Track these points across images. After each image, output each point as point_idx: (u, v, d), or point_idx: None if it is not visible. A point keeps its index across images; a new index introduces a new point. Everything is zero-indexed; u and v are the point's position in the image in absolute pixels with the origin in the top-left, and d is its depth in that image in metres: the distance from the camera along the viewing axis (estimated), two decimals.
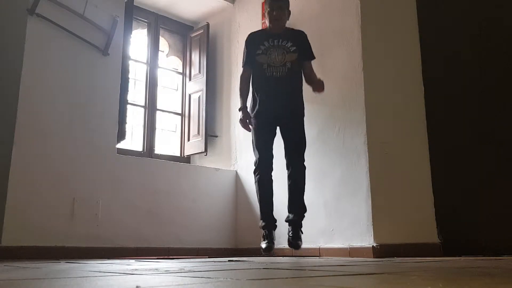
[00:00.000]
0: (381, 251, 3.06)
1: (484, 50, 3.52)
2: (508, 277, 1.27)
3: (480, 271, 1.55)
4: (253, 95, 3.25)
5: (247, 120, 3.20)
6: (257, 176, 3.16)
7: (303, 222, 3.14)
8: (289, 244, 3.08)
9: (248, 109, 3.26)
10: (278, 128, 3.22)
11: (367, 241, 3.14)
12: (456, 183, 3.48)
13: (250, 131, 3.26)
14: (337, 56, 3.58)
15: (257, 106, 3.19)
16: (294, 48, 3.17)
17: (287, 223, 3.14)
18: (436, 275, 1.42)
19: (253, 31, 3.51)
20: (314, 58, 3.25)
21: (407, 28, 3.80)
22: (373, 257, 3.01)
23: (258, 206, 3.21)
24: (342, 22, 3.61)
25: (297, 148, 3.14)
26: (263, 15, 3.35)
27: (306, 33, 3.26)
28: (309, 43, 3.26)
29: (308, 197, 3.33)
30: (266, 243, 3.07)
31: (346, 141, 3.42)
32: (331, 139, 3.52)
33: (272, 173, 3.19)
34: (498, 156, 3.36)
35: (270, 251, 3.07)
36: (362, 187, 3.24)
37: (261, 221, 3.16)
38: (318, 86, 3.14)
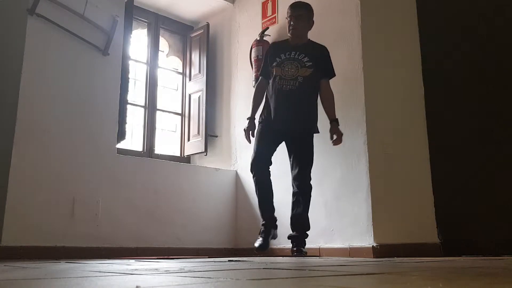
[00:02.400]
0: (381, 251, 3.06)
1: (484, 50, 3.52)
2: (508, 277, 1.27)
3: (480, 271, 1.55)
4: (266, 103, 3.26)
5: (250, 132, 3.19)
6: (254, 175, 3.16)
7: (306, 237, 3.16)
8: (292, 254, 3.10)
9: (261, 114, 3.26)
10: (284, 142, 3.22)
11: (367, 241, 3.14)
12: (456, 183, 3.48)
13: (250, 143, 3.27)
14: (337, 56, 3.58)
15: (266, 115, 3.20)
16: (310, 63, 3.12)
17: (290, 240, 3.15)
18: (436, 275, 1.42)
19: (276, 41, 3.50)
20: (333, 75, 3.19)
21: (407, 28, 3.80)
22: (373, 257, 3.01)
23: (258, 206, 3.21)
24: (342, 22, 3.61)
25: (302, 167, 3.11)
26: (264, 15, 3.36)
27: (310, 35, 3.25)
28: (330, 60, 3.19)
29: None
30: (260, 241, 3.07)
31: (346, 141, 3.42)
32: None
33: (271, 175, 3.20)
34: (498, 156, 3.36)
35: (263, 250, 3.05)
36: (362, 187, 3.24)
37: (262, 219, 3.17)
38: (337, 140, 3.10)
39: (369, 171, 3.23)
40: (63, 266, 2.08)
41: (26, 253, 3.08)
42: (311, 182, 3.15)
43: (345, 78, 3.51)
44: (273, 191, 3.19)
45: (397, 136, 3.49)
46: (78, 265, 2.15)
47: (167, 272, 1.60)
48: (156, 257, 3.27)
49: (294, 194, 3.13)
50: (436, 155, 3.58)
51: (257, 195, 3.17)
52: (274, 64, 3.18)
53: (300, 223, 3.11)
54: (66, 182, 3.39)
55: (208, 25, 4.77)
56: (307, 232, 3.15)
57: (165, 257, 3.36)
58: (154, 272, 1.57)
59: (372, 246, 3.08)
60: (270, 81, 3.21)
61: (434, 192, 3.53)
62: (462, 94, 3.56)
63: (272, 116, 3.14)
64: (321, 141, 3.58)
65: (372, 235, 3.12)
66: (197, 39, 4.81)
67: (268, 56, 3.28)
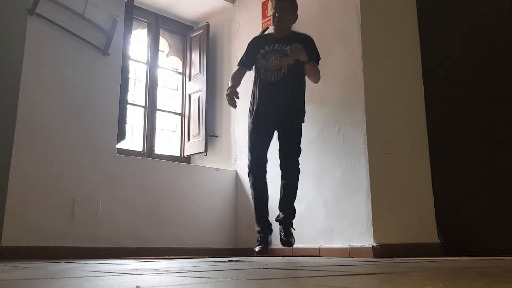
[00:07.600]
0: (381, 251, 3.06)
1: (484, 50, 3.52)
2: (508, 277, 1.27)
3: (480, 271, 1.55)
4: (252, 96, 3.25)
5: (234, 96, 3.14)
6: (251, 180, 3.17)
7: (300, 220, 3.15)
8: (281, 243, 3.10)
9: (248, 109, 3.26)
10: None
11: (367, 241, 3.14)
12: (456, 183, 3.48)
13: (235, 108, 3.22)
14: (337, 56, 3.58)
15: (254, 108, 3.20)
16: None
17: (278, 223, 3.16)
18: (436, 275, 1.42)
19: (258, 35, 3.49)
20: (318, 58, 3.16)
21: (407, 28, 3.80)
22: (373, 257, 3.02)
23: (254, 210, 3.22)
24: (342, 22, 3.61)
25: (289, 154, 3.13)
26: (264, 15, 3.35)
27: (310, 35, 3.24)
28: (315, 45, 3.18)
29: (308, 197, 3.34)
30: (259, 246, 3.10)
31: (346, 141, 3.42)
32: (331, 139, 3.52)
33: (267, 175, 3.20)
34: (498, 156, 3.36)
35: (262, 253, 3.09)
36: (362, 187, 3.24)
37: (257, 225, 3.18)
38: (295, 51, 3.00)
39: (369, 171, 3.23)
40: (63, 266, 2.08)
41: (26, 253, 3.08)
42: (303, 168, 3.13)
43: (345, 78, 3.51)
44: (269, 189, 3.20)
45: (397, 136, 3.49)
46: (78, 265, 2.15)
47: (167, 272, 1.60)
48: (156, 257, 3.28)
49: (283, 177, 3.13)
50: (436, 155, 3.58)
51: (253, 201, 3.20)
52: (258, 57, 3.19)
53: (288, 206, 3.10)
54: (66, 182, 3.39)
55: (208, 25, 4.77)
56: (294, 214, 3.12)
57: (165, 257, 3.36)
58: (154, 272, 1.57)
59: (372, 246, 3.08)
60: (255, 74, 3.22)
61: (434, 192, 3.53)
62: (462, 94, 3.56)
63: (262, 108, 3.15)
64: (320, 141, 3.59)
65: (372, 235, 3.12)
66: (197, 39, 4.81)
67: (250, 48, 3.28)
